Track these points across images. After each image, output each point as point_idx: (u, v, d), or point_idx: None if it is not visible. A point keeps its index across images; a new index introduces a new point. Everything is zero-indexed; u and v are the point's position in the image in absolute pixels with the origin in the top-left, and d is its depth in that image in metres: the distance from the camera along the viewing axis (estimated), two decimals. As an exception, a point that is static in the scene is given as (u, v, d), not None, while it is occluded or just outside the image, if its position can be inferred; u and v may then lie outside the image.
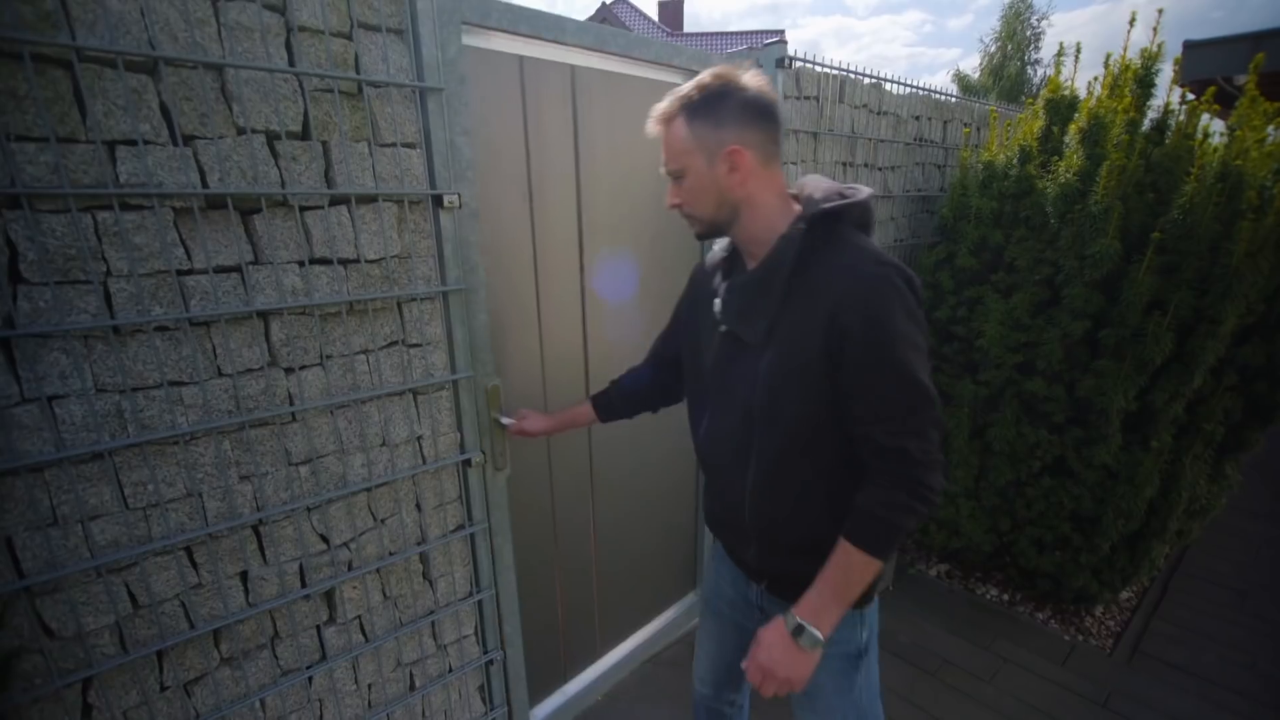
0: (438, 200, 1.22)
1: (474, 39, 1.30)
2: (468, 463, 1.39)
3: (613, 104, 1.62)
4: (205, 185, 0.96)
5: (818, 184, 1.02)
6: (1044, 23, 26.03)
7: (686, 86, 0.97)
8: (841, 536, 0.94)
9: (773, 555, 1.09)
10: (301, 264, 1.08)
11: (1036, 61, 25.45)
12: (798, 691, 1.01)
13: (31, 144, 0.82)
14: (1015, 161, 2.20)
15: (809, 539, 1.02)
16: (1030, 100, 2.23)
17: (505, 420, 1.41)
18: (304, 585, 1.20)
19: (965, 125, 2.86)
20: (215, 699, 1.13)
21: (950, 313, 2.39)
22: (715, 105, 0.94)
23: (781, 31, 23.16)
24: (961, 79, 22.04)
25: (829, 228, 0.96)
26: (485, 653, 1.55)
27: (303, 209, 1.07)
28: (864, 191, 0.99)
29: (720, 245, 1.15)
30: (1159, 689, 2.12)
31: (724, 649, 1.33)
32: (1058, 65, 2.25)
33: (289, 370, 1.10)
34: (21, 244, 0.84)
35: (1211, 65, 5.81)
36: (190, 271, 0.98)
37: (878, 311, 0.89)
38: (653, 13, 24.33)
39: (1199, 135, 1.99)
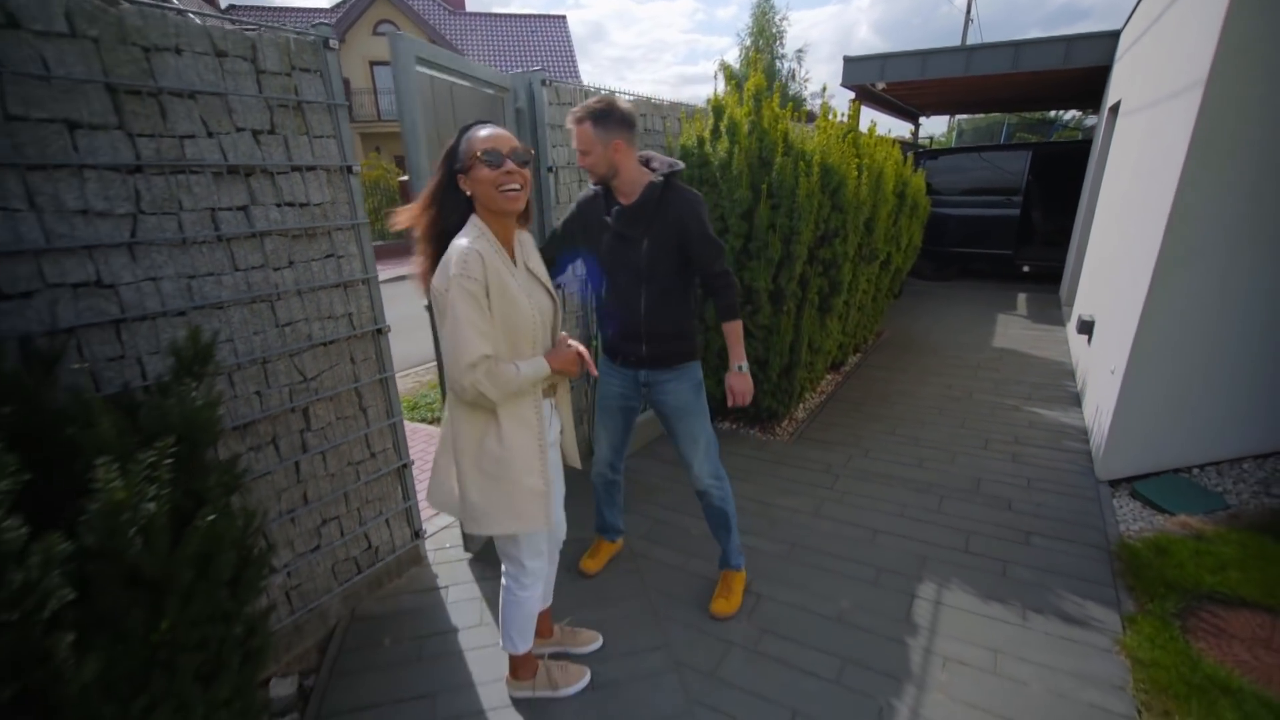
0: (348, 169, 2.07)
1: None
2: (379, 331, 2.26)
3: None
4: (225, 159, 1.74)
5: (660, 158, 2.02)
6: (784, 21, 29.99)
7: (590, 102, 1.85)
8: (720, 321, 2.04)
9: (659, 344, 2.07)
10: (279, 205, 1.89)
11: (783, 56, 29.55)
12: (749, 400, 2.09)
13: (146, 139, 1.57)
14: (697, 144, 3.55)
15: (677, 329, 2.07)
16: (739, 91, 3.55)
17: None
18: (290, 401, 2.01)
19: (679, 119, 4.20)
20: (249, 471, 1.91)
21: (676, 243, 3.71)
22: (607, 116, 1.84)
23: (563, 17, 24.17)
24: (727, 69, 25.03)
25: (671, 180, 1.97)
26: (400, 458, 2.44)
27: (276, 173, 1.87)
28: (680, 165, 2.01)
29: (591, 187, 2.10)
30: (808, 449, 3.72)
31: (615, 432, 2.31)
32: (798, 57, 3.62)
33: (276, 268, 1.91)
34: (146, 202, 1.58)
35: (861, 74, 8.22)
36: (218, 209, 1.75)
37: (697, 217, 1.94)
38: (431, -11, 23.66)
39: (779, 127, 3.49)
